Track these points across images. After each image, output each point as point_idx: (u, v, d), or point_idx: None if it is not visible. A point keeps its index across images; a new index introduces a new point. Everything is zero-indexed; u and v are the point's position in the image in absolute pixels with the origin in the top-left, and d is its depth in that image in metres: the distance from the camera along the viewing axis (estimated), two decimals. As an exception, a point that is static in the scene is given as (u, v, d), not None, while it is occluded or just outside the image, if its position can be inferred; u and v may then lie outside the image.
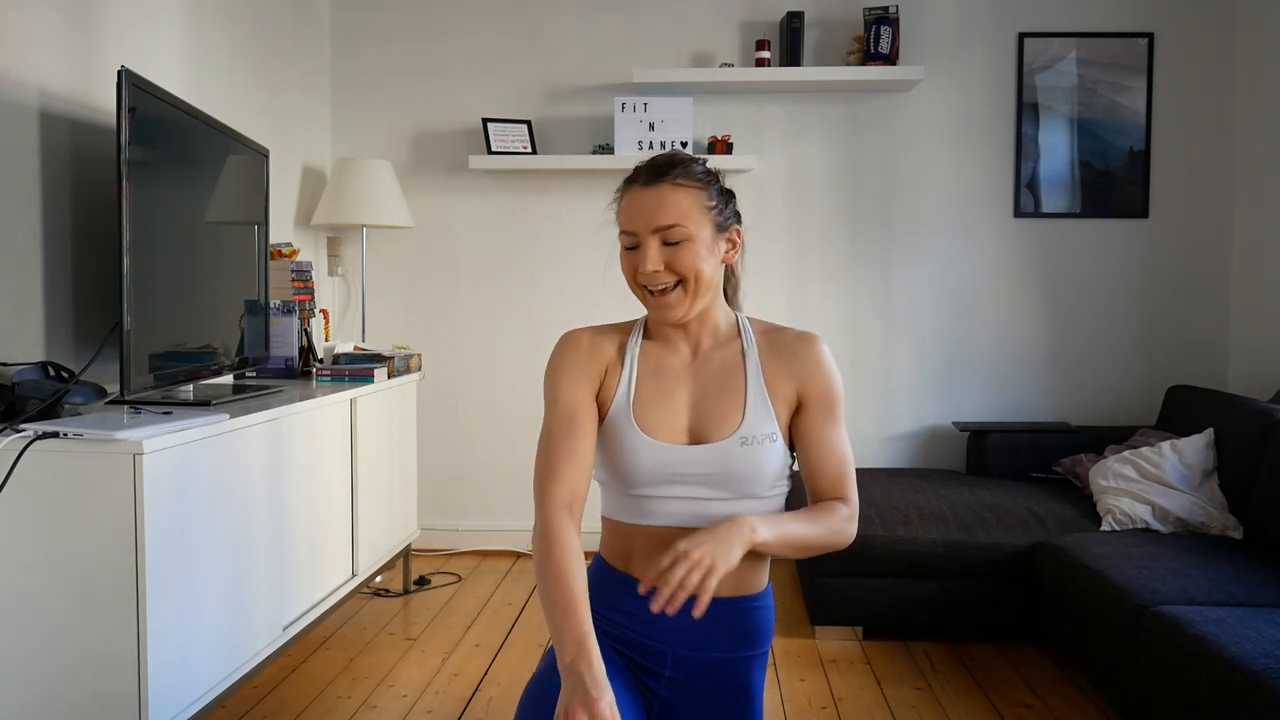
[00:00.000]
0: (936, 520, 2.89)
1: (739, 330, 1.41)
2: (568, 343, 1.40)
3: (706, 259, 1.31)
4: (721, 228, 1.34)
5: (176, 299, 2.24)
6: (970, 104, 3.70)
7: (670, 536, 1.31)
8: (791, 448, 1.40)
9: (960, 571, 2.80)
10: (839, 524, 1.33)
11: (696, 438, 1.34)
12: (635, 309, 1.45)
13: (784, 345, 1.39)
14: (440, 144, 3.82)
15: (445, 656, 2.80)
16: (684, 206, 1.29)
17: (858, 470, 3.60)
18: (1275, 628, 1.98)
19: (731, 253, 1.37)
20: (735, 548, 1.19)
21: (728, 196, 1.36)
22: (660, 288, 1.30)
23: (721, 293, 1.41)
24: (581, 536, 1.30)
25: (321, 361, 2.97)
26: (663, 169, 1.31)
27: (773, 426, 1.34)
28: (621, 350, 1.39)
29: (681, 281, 1.30)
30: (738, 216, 1.39)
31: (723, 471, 1.32)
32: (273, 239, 3.07)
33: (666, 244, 1.29)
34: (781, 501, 1.39)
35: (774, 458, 1.34)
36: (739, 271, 1.48)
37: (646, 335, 1.41)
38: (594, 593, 1.37)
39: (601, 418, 1.37)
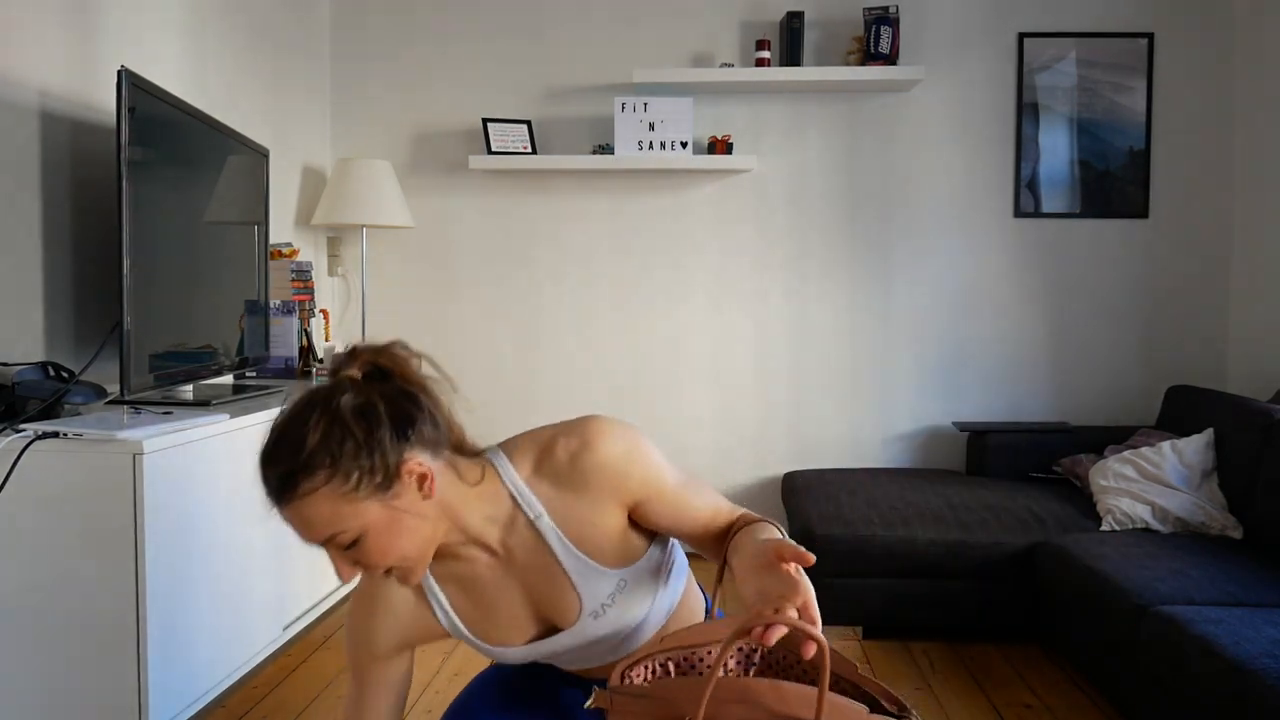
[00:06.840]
0: (936, 520, 2.89)
1: (514, 499, 1.15)
2: (351, 610, 1.23)
3: (396, 530, 1.05)
4: (387, 486, 1.03)
5: (176, 299, 2.24)
6: (970, 104, 3.70)
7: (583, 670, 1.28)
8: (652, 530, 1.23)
9: (960, 571, 2.80)
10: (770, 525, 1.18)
11: (550, 629, 1.21)
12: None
13: (565, 475, 1.15)
14: (440, 144, 3.82)
15: (445, 656, 2.80)
16: (325, 515, 1.01)
17: (856, 469, 3.61)
18: (1275, 628, 1.98)
19: (429, 485, 1.06)
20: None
21: (373, 444, 1.02)
22: (383, 572, 1.10)
23: (459, 490, 1.12)
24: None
25: (321, 361, 2.97)
26: (279, 490, 1.02)
27: (612, 581, 1.17)
28: (418, 586, 1.22)
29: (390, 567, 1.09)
30: (401, 440, 1.04)
31: (598, 638, 1.20)
32: (273, 239, 3.08)
33: (346, 547, 1.05)
34: (679, 567, 1.27)
35: (638, 592, 1.19)
36: (452, 418, 1.16)
37: (435, 556, 1.18)
38: (499, 690, 1.33)
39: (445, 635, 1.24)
